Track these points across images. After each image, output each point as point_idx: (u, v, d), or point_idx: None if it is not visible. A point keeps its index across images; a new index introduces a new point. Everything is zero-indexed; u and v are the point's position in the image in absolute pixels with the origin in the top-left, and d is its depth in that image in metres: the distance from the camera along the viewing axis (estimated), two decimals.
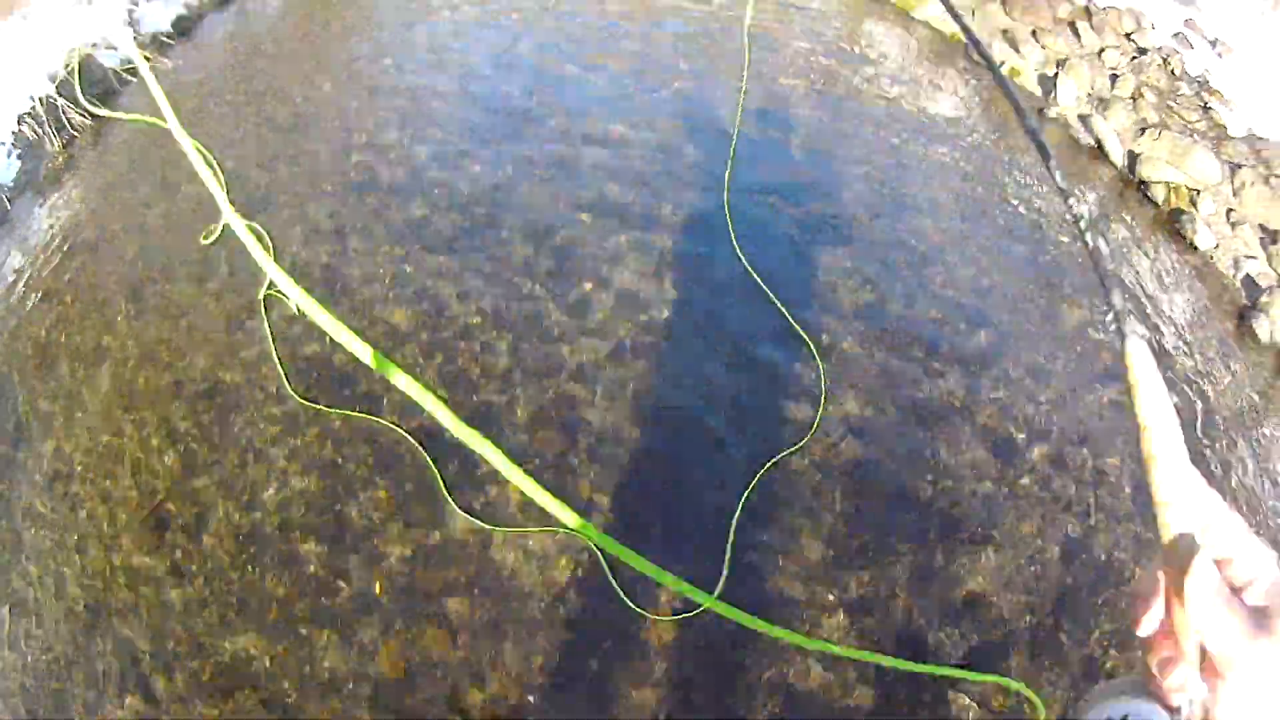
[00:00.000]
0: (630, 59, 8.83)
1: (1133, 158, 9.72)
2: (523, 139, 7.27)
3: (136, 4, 11.57)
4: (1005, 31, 11.59)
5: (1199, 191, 9.35)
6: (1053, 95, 10.48)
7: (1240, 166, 9.81)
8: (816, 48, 10.17)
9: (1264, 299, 8.37)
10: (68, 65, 8.44)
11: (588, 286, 5.87)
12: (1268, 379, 7.58)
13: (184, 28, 11.51)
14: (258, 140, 7.19)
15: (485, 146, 7.18)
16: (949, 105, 9.85)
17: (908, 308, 6.29)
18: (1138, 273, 7.95)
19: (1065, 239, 7.62)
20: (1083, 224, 1.00)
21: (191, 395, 4.96)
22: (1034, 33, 11.52)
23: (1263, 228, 9.31)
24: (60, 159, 7.43)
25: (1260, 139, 10.43)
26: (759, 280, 6.10)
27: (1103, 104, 10.35)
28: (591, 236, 6.33)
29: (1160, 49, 11.50)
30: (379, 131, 7.33)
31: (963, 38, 11.73)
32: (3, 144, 7.40)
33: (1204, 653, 0.70)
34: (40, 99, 7.83)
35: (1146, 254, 8.32)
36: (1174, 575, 0.72)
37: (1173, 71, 11.13)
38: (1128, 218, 8.84)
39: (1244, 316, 8.23)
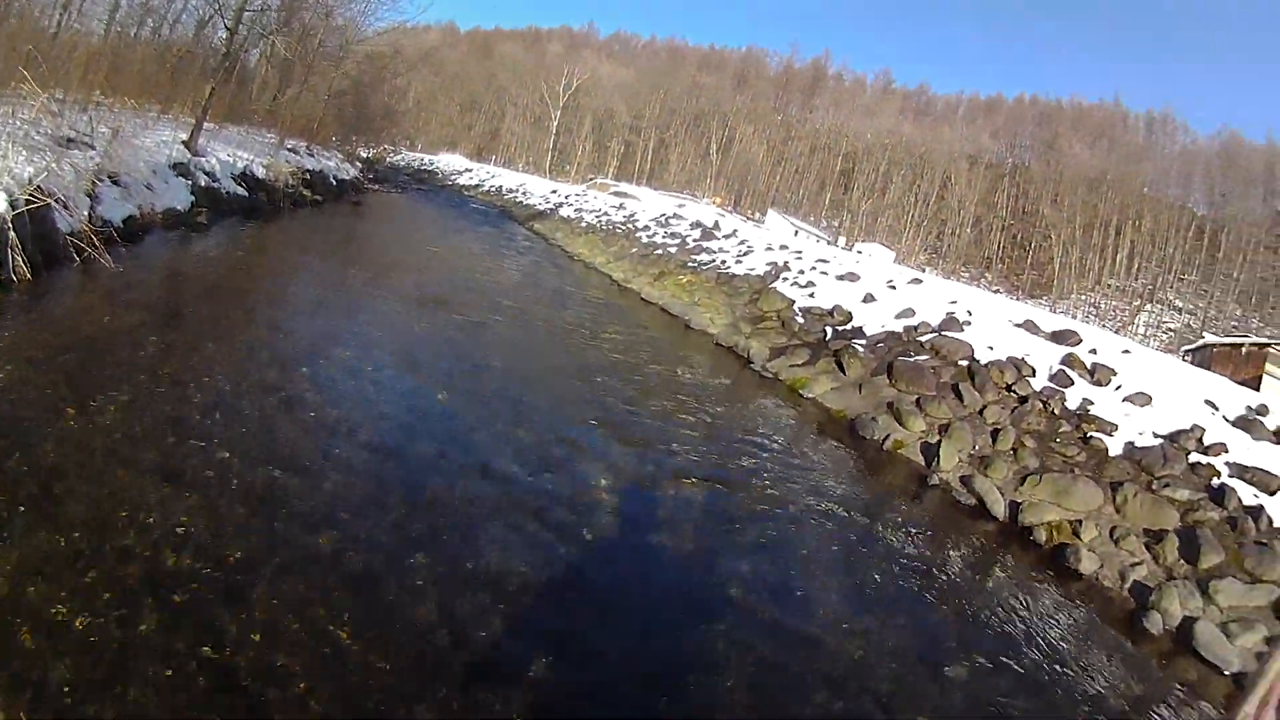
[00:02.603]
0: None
1: (1014, 507, 10.16)
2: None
3: (101, 179, 12.77)
4: (890, 404, 12.62)
5: (1080, 521, 9.69)
6: (935, 462, 11.11)
7: (1122, 484, 10.19)
8: (712, 429, 10.83)
9: (1153, 597, 8.50)
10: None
11: None
12: (1161, 663, 7.68)
13: (132, 230, 12.81)
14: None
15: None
16: (834, 481, 10.14)
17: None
18: (1023, 611, 7.93)
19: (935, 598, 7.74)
20: None
21: None
22: (918, 401, 12.51)
23: (1147, 531, 9.55)
24: None
25: (1140, 449, 10.84)
26: None
27: (984, 462, 10.97)
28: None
29: (1041, 392, 12.27)
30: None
31: (847, 414, 12.84)
32: None
33: None
34: None
35: (1031, 593, 8.34)
36: None
37: (1053, 413, 11.81)
38: (1011, 563, 9.01)
39: (1134, 619, 8.32)
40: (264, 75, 33.86)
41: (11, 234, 9.11)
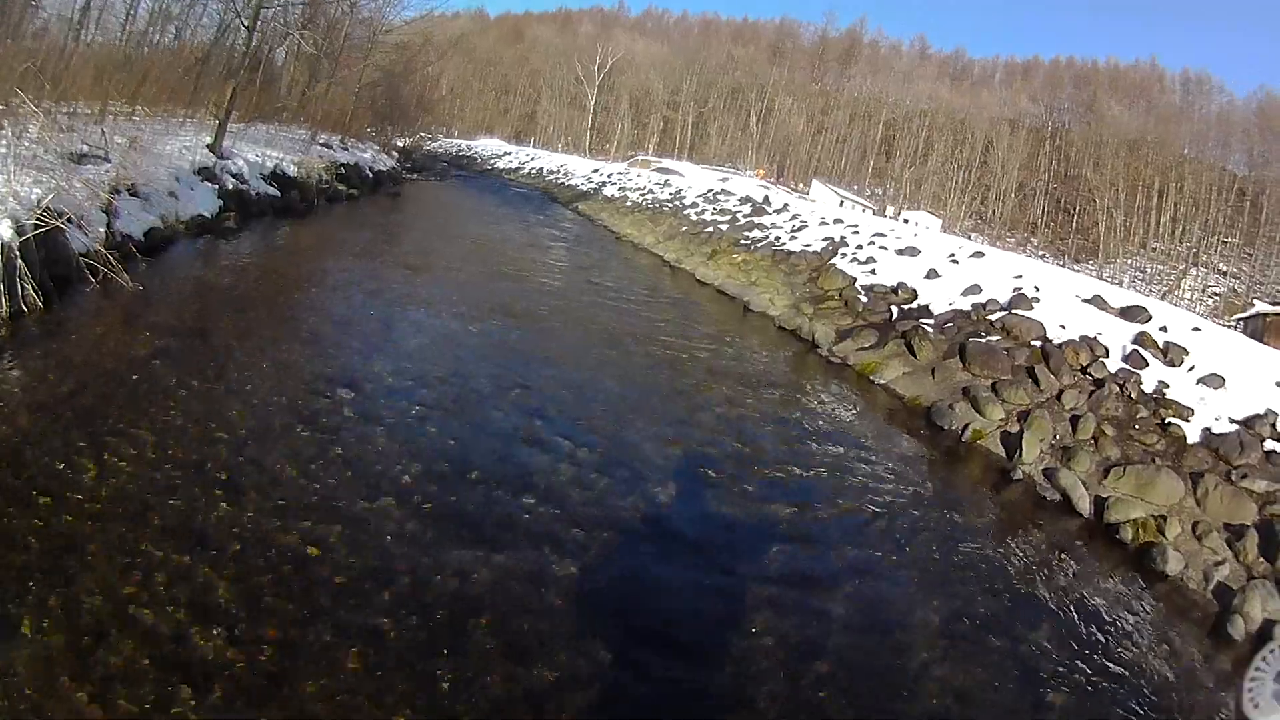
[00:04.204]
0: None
1: (1099, 504, 9.71)
2: None
3: (118, 192, 12.21)
4: (966, 390, 12.24)
5: (1165, 518, 9.29)
6: (1017, 455, 10.65)
7: (1202, 474, 9.75)
8: (782, 422, 10.48)
9: (1236, 600, 8.04)
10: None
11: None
12: (1241, 673, 7.23)
13: (155, 242, 12.36)
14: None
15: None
16: (915, 477, 9.75)
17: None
18: (1107, 620, 7.66)
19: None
20: None
21: None
22: (994, 386, 12.13)
23: (1228, 526, 9.13)
24: None
25: (1217, 435, 10.36)
26: None
27: (1066, 453, 10.51)
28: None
29: (1117, 374, 11.79)
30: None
31: (922, 402, 12.50)
32: None
33: None
34: None
35: (1117, 600, 8.01)
36: None
37: (1130, 396, 11.35)
38: (1098, 566, 8.57)
39: (1218, 624, 7.88)
40: (292, 72, 33.54)
41: (20, 262, 8.47)
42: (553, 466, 7.58)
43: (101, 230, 11.05)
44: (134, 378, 7.61)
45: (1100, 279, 28.51)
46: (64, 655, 4.05)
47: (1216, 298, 54.86)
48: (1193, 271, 59.20)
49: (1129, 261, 60.99)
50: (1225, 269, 59.81)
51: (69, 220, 9.87)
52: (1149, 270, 59.77)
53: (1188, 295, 55.11)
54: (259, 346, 9.26)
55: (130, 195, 13.04)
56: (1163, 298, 41.33)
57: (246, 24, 22.36)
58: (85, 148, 12.88)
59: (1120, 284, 41.64)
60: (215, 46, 27.21)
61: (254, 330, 9.94)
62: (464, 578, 5.46)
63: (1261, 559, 8.66)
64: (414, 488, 6.56)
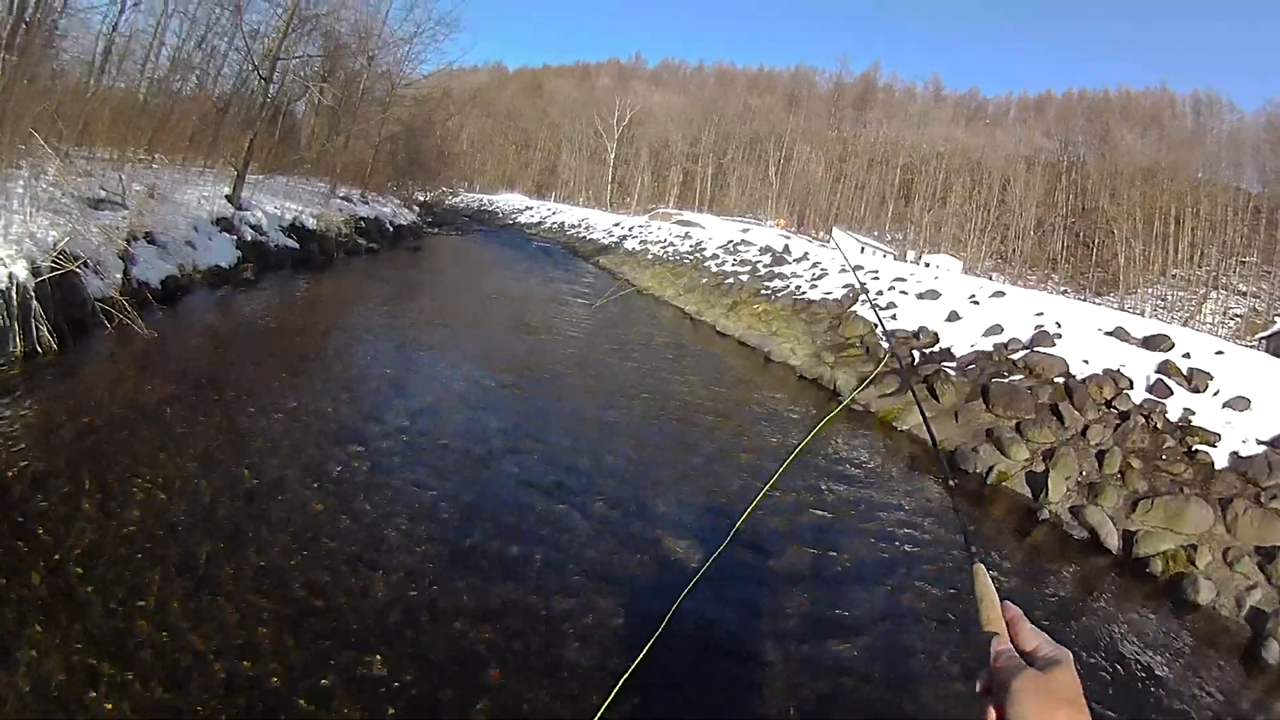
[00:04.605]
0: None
1: (1128, 539, 9.71)
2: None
3: (135, 239, 12.20)
4: (990, 432, 12.33)
5: (1195, 547, 9.28)
6: (1044, 494, 10.67)
7: (1231, 500, 9.76)
8: (805, 473, 10.14)
9: (1270, 624, 8.04)
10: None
11: None
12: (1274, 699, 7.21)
13: (171, 291, 12.34)
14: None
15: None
16: (940, 524, 9.59)
17: None
18: (1140, 654, 7.60)
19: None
20: None
21: None
22: (1018, 426, 12.21)
23: (1259, 549, 9.11)
24: None
25: (1244, 458, 10.37)
26: None
27: (1093, 489, 10.53)
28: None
29: (1141, 406, 11.83)
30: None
31: (946, 446, 12.53)
32: None
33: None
34: None
35: (1148, 633, 7.93)
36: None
37: (1155, 426, 11.38)
38: (1128, 601, 8.49)
39: (1251, 650, 7.86)
40: (313, 124, 34.23)
41: (35, 303, 8.67)
42: (567, 518, 7.56)
43: (118, 276, 11.21)
44: (144, 423, 7.76)
45: (1122, 310, 28.43)
46: (60, 694, 4.12)
47: (1238, 319, 54.24)
48: (1213, 295, 58.68)
49: (1150, 290, 60.58)
50: (1245, 289, 59.26)
51: (85, 264, 10.03)
52: (1170, 298, 59.33)
53: (1209, 319, 54.57)
54: (271, 398, 9.32)
55: (147, 243, 13.29)
56: (1185, 324, 40.99)
57: (264, 75, 22.81)
58: (103, 193, 13.12)
59: (1143, 314, 41.46)
60: (235, 96, 27.71)
61: (267, 381, 10.05)
62: (469, 636, 5.40)
63: None
64: (421, 545, 6.54)
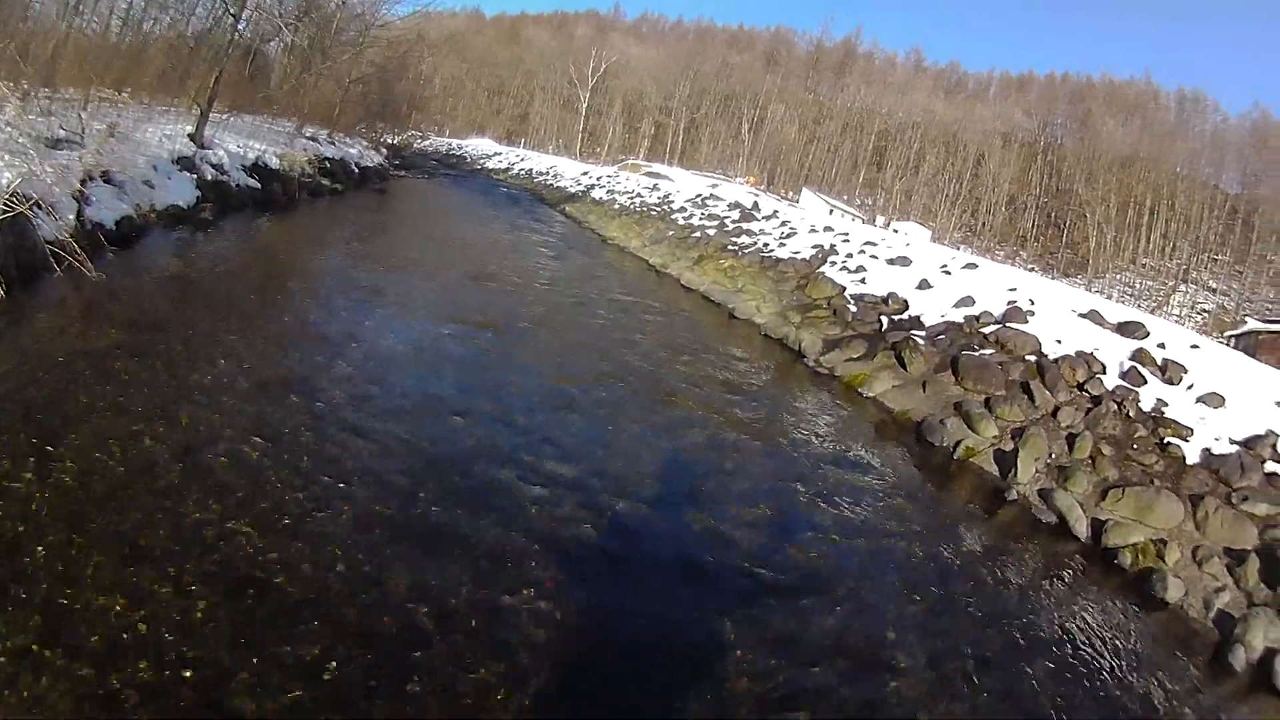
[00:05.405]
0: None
1: (1097, 527, 9.26)
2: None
3: (92, 179, 11.65)
4: (958, 405, 11.73)
5: (1164, 541, 8.82)
6: (1013, 474, 10.19)
7: (1202, 497, 9.35)
8: (766, 435, 9.90)
9: (1237, 629, 7.64)
10: None
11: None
12: (1241, 705, 6.95)
13: (126, 232, 11.80)
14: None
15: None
16: (903, 498, 9.25)
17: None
18: (1106, 652, 7.17)
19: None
20: None
21: None
22: (987, 402, 11.63)
23: (1228, 551, 8.72)
24: None
25: (1217, 456, 9.96)
26: None
27: (1062, 473, 10.06)
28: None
29: (1114, 392, 11.33)
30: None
31: (912, 417, 11.97)
32: None
33: None
34: None
35: (1116, 629, 7.53)
36: None
37: (1128, 414, 10.88)
38: (1096, 593, 8.08)
39: (1219, 653, 7.50)
40: (284, 65, 32.71)
41: None
42: (517, 485, 7.02)
43: (70, 218, 10.47)
44: (86, 373, 7.11)
45: (1089, 292, 28.10)
46: None
47: (1206, 314, 54.70)
48: (1182, 288, 59.04)
49: (1118, 277, 60.77)
50: (1215, 286, 59.69)
51: (37, 206, 9.33)
52: (1138, 286, 59.55)
53: (1177, 311, 54.93)
54: (219, 345, 8.68)
55: (104, 182, 12.47)
56: (1152, 313, 41.02)
57: (233, 12, 21.95)
58: (62, 132, 12.34)
59: (1110, 298, 41.38)
60: (207, 35, 26.27)
61: (216, 328, 9.32)
62: (414, 605, 5.01)
63: (1263, 585, 8.29)
64: (366, 503, 6.04)
